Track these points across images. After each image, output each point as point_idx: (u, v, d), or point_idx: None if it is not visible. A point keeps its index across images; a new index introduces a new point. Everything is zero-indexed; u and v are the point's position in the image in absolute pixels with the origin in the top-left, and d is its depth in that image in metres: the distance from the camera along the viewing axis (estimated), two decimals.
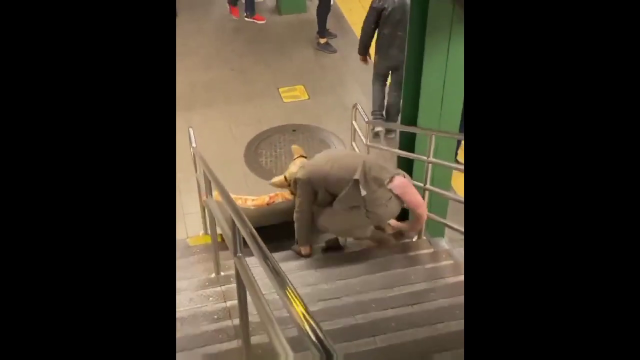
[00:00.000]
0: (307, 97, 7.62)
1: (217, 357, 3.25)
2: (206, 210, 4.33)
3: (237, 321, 3.65)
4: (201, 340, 3.40)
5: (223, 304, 3.92)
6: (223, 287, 4.21)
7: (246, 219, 2.47)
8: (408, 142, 5.14)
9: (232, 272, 4.61)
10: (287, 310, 1.80)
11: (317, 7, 8.17)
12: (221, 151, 6.39)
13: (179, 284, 4.39)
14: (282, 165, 6.51)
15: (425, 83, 4.57)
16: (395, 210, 4.29)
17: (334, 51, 8.33)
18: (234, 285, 4.38)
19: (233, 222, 2.52)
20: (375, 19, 6.49)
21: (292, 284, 1.91)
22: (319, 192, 4.28)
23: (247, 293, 2.55)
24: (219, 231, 4.27)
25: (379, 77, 7.00)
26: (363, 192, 4.03)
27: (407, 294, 3.75)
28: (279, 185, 4.63)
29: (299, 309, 1.74)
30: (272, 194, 5.02)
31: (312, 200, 4.32)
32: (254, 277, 2.52)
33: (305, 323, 1.64)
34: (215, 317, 3.72)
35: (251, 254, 2.26)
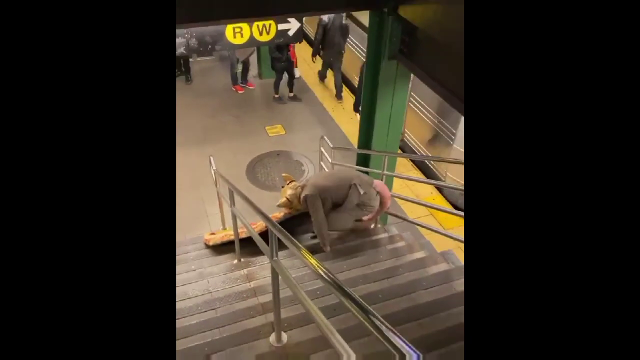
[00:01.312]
0: (285, 132, 7.19)
1: (251, 331, 2.75)
2: (231, 215, 3.78)
3: (261, 298, 3.19)
4: (237, 316, 2.90)
5: (248, 285, 3.41)
6: (245, 271, 3.72)
7: (281, 228, 2.06)
8: (363, 160, 4.79)
9: (250, 258, 4.25)
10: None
11: (288, 79, 7.89)
12: (229, 172, 5.86)
13: (212, 269, 3.89)
14: (272, 179, 6.12)
15: (377, 119, 4.22)
16: (378, 203, 3.86)
17: (300, 100, 7.97)
18: (254, 269, 3.96)
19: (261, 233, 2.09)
20: (322, 32, 7.23)
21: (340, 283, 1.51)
22: (325, 203, 3.67)
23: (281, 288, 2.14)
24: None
25: (325, 66, 8.10)
26: (361, 191, 3.62)
27: (382, 271, 3.29)
28: (285, 206, 4.02)
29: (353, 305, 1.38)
30: (275, 214, 4.28)
31: (321, 209, 3.66)
32: (290, 274, 2.10)
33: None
34: (245, 295, 3.21)
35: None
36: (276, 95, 7.95)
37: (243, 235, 3.93)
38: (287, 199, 3.92)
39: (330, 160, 5.27)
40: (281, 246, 2.07)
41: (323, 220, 3.65)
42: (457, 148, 5.61)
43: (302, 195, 3.70)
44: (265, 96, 8.11)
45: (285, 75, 7.79)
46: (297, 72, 8.46)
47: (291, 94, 8.00)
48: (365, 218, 3.91)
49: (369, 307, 1.34)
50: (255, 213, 2.72)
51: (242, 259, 3.91)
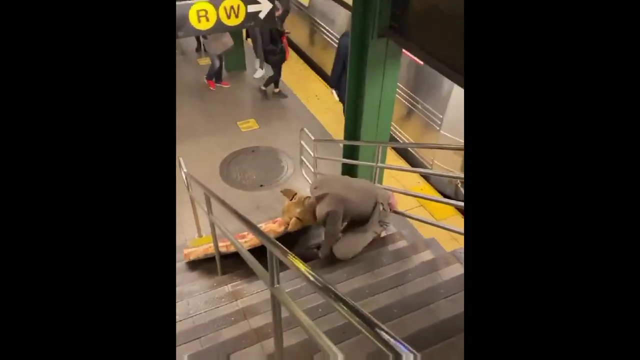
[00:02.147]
0: (258, 126, 6.64)
1: None
2: (209, 223, 3.25)
3: (253, 322, 2.70)
4: (227, 348, 2.40)
5: (235, 305, 2.91)
6: (229, 287, 3.21)
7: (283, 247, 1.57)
8: (350, 152, 4.34)
9: (233, 272, 3.73)
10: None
11: (273, 73, 7.07)
12: (201, 173, 5.25)
13: (191, 287, 3.34)
14: (249, 177, 5.58)
15: (366, 105, 3.77)
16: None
17: (285, 96, 7.27)
18: (240, 284, 3.46)
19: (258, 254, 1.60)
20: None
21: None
22: (344, 220, 3.04)
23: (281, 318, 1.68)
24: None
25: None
26: (380, 208, 3.08)
27: (390, 278, 2.84)
28: (296, 228, 3.11)
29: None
30: (271, 226, 3.46)
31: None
32: (296, 307, 1.63)
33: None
34: (233, 319, 2.70)
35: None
36: (276, 90, 7.22)
37: (225, 249, 3.40)
38: (298, 218, 3.03)
39: (312, 154, 4.80)
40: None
41: (337, 233, 3.01)
42: (445, 134, 5.25)
43: (323, 210, 2.89)
44: (233, 89, 7.50)
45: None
46: (260, 71, 7.86)
47: (276, 90, 7.27)
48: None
49: (377, 322, 1.11)
50: (242, 224, 2.22)
51: (223, 273, 3.40)
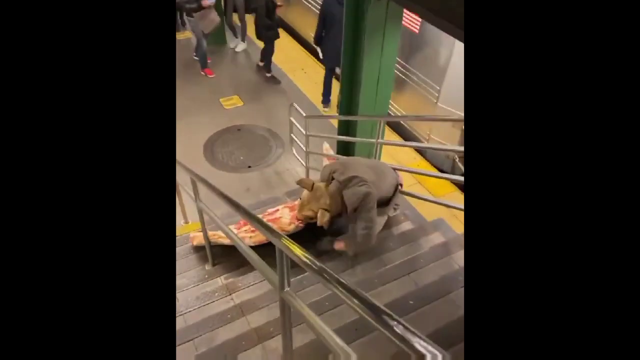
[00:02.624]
0: (242, 103, 6.26)
1: None
2: (197, 211, 2.93)
3: (252, 319, 2.43)
4: (225, 351, 2.13)
5: (230, 300, 2.63)
6: (222, 279, 2.92)
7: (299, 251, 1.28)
8: (346, 128, 4.04)
9: (226, 261, 3.44)
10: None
11: (263, 49, 6.49)
12: (184, 155, 4.86)
13: (180, 280, 3.04)
14: (236, 158, 5.25)
15: (364, 76, 3.45)
16: None
17: (279, 82, 6.63)
18: (234, 276, 3.18)
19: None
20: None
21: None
22: None
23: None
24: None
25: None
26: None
27: (400, 265, 2.60)
28: (327, 220, 2.53)
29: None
30: (281, 223, 3.03)
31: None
32: (309, 310, 1.36)
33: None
34: (229, 316, 2.43)
35: None
36: (268, 75, 6.59)
37: (221, 240, 3.08)
38: (325, 209, 2.51)
39: (304, 131, 4.47)
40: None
41: (375, 220, 2.55)
42: (443, 107, 4.97)
43: (356, 194, 2.47)
44: (215, 64, 7.01)
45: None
46: (243, 45, 7.39)
47: (268, 74, 6.65)
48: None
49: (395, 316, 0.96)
50: (242, 215, 1.92)
51: (215, 264, 3.11)
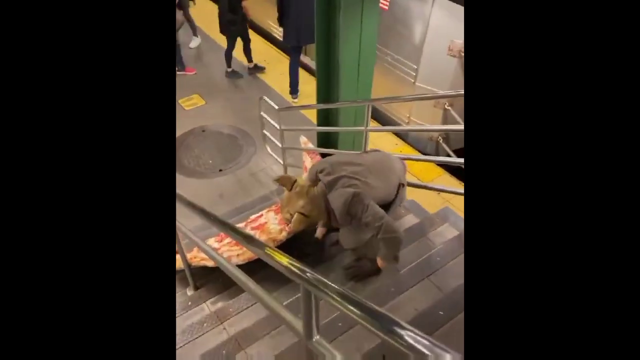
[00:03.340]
0: (204, 102, 5.77)
1: None
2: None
3: (251, 351, 2.05)
4: None
5: (223, 331, 2.23)
6: (208, 305, 2.51)
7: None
8: (324, 118, 3.66)
9: (211, 283, 2.99)
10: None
11: (244, 45, 6.03)
12: None
13: None
14: (204, 162, 4.78)
15: (344, 58, 3.08)
16: None
17: (241, 76, 6.22)
18: (224, 302, 2.76)
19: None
20: None
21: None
22: None
23: None
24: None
25: None
26: (403, 189, 2.33)
27: (415, 268, 2.27)
28: (301, 226, 2.21)
29: None
30: (271, 232, 2.58)
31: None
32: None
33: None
34: (224, 352, 2.03)
35: None
36: (229, 69, 6.13)
37: (203, 263, 2.63)
38: (302, 213, 2.11)
39: (277, 126, 4.07)
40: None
41: (382, 215, 2.05)
42: (421, 86, 4.68)
43: (343, 196, 2.04)
44: None
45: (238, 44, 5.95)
46: (196, 40, 6.87)
47: (251, 64, 6.22)
48: None
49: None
50: (229, 233, 1.53)
51: (198, 287, 2.69)
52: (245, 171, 4.72)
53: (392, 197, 2.24)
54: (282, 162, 4.39)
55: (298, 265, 1.03)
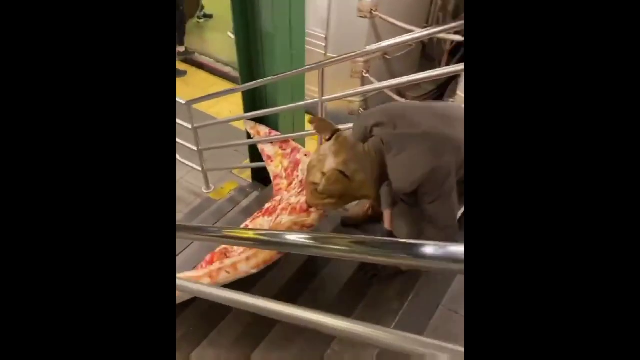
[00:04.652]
0: None
1: None
2: None
3: None
4: None
5: None
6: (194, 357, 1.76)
7: None
8: (251, 99, 3.02)
9: (186, 325, 2.14)
10: None
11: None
12: None
13: None
14: None
15: (275, 25, 2.50)
16: None
17: (192, 53, 6.02)
18: (211, 350, 1.94)
19: None
20: None
21: None
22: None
23: None
24: None
25: None
26: None
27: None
28: (338, 188, 1.38)
29: None
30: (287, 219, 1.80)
31: None
32: None
33: None
34: None
35: None
36: (181, 49, 5.99)
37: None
38: (343, 172, 1.37)
39: (189, 125, 3.31)
40: None
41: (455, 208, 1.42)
42: (334, 56, 4.28)
43: (423, 165, 1.31)
44: None
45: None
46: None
47: (182, 48, 5.91)
48: None
49: None
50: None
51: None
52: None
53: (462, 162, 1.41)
54: (200, 169, 3.64)
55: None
